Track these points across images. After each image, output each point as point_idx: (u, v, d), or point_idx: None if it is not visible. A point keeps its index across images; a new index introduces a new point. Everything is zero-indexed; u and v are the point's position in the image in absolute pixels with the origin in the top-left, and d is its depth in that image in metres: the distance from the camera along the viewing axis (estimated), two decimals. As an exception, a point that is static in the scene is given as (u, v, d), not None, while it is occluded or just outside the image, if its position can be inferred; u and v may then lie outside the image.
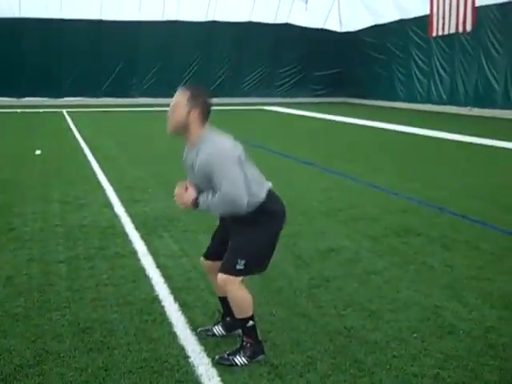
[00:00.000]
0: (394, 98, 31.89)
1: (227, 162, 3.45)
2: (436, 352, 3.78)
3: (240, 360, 3.62)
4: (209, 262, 3.96)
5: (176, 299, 4.64)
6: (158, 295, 4.74)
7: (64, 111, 25.73)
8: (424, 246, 6.15)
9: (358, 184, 9.57)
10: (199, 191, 3.59)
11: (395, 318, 4.30)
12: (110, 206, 7.93)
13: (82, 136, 16.19)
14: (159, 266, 5.46)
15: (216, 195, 3.47)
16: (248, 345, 3.68)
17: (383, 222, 7.09)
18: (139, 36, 32.55)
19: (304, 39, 34.86)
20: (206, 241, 6.22)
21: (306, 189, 9.13)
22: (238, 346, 3.72)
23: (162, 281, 5.07)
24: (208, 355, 3.71)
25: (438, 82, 28.63)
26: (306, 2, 33.31)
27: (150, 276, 5.18)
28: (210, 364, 3.61)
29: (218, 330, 4.03)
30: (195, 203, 3.57)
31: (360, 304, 4.58)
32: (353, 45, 35.10)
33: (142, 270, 5.35)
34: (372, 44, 33.62)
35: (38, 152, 12.89)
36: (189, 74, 33.79)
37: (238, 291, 3.63)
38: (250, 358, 3.65)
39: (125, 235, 6.52)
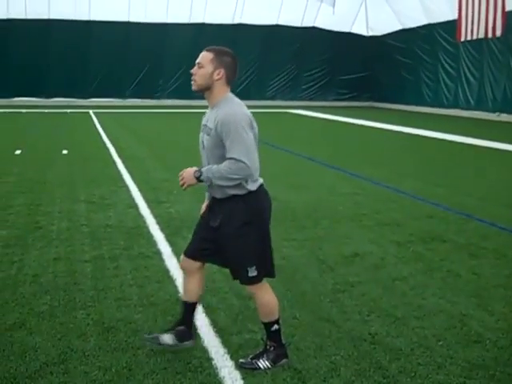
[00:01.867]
0: (421, 102, 31.68)
1: (243, 126, 3.36)
2: (462, 361, 3.73)
3: (263, 364, 3.60)
4: (189, 261, 3.78)
5: (200, 301, 4.63)
6: (181, 296, 4.73)
7: (91, 112, 25.99)
8: (450, 253, 6.07)
9: (383, 189, 9.51)
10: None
11: (420, 325, 4.25)
12: (135, 206, 7.97)
13: (108, 136, 16.33)
14: (183, 267, 5.46)
15: (224, 162, 3.37)
16: (272, 348, 3.66)
17: (409, 228, 7.02)
18: (166, 38, 32.79)
19: (330, 43, 34.82)
20: (230, 243, 6.25)
21: (330, 193, 9.09)
22: (262, 349, 3.71)
23: (186, 282, 5.07)
24: (231, 358, 3.71)
25: (466, 87, 28.38)
26: (334, 6, 33.23)
27: (174, 277, 5.19)
28: (234, 366, 3.60)
29: (168, 339, 3.77)
30: (198, 175, 3.43)
31: (385, 310, 4.54)
32: (379, 49, 34.96)
33: (166, 270, 5.37)
34: (399, 48, 33.43)
35: (64, 152, 13.04)
36: (215, 76, 33.90)
37: (265, 295, 3.62)
38: (274, 361, 3.63)
39: (149, 236, 6.55)
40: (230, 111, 3.40)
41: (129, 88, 33.39)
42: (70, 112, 25.90)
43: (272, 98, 35.11)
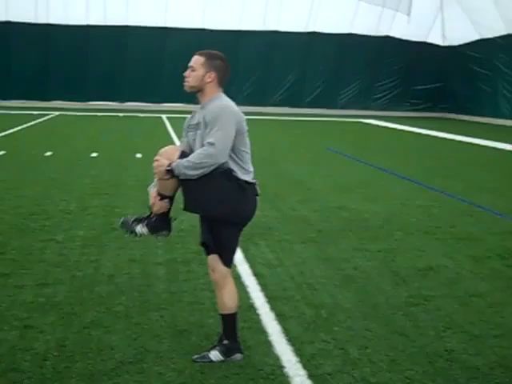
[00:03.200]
0: (498, 114, 30.72)
1: (228, 118, 3.57)
2: (544, 384, 3.58)
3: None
4: None
5: (272, 308, 4.64)
6: (253, 303, 4.75)
7: (163, 116, 26.49)
8: (530, 270, 5.85)
9: (458, 202, 9.26)
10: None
11: (499, 345, 4.11)
12: (207, 211, 8.03)
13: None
14: (255, 274, 5.48)
15: (197, 151, 3.56)
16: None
17: (486, 243, 6.81)
18: (239, 45, 33.07)
19: (405, 52, 34.22)
20: (302, 251, 6.26)
21: (404, 204, 8.91)
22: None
23: (257, 289, 5.08)
24: (304, 367, 3.67)
25: (546, 100, 27.37)
26: (409, 15, 32.72)
27: (246, 283, 5.21)
28: (306, 376, 3.57)
29: (216, 355, 3.75)
30: (169, 168, 3.64)
31: (461, 326, 4.41)
32: (455, 59, 34.11)
33: (238, 277, 5.37)
34: (476, 59, 32.52)
35: (138, 155, 13.34)
36: (287, 83, 33.97)
37: None
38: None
39: (221, 241, 6.58)
40: (218, 105, 3.64)
41: (201, 94, 33.87)
42: (144, 116, 26.47)
43: (344, 107, 34.80)
